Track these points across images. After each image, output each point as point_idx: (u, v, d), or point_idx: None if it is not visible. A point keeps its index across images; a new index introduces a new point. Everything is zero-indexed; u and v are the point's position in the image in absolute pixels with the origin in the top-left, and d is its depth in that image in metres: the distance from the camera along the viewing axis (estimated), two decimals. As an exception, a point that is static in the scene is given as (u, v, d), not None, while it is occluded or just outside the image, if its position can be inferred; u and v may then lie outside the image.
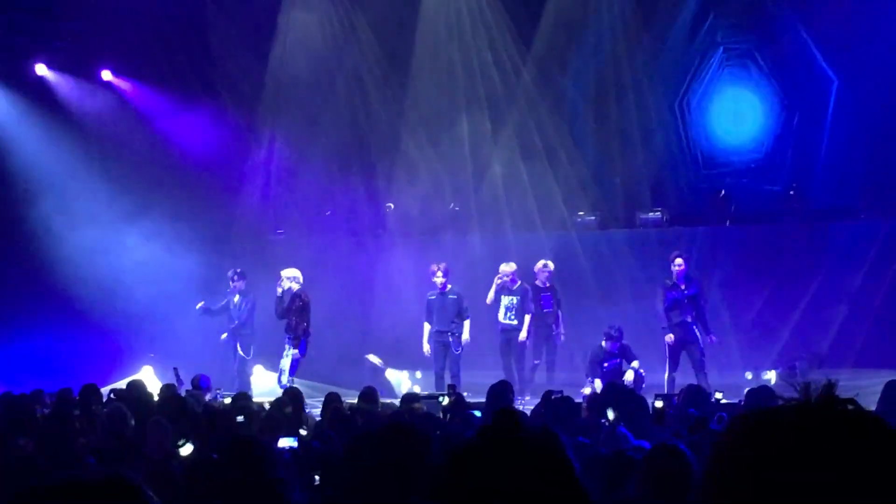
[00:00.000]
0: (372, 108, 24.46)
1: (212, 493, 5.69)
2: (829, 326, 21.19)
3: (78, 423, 12.26)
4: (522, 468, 2.36)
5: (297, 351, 19.15)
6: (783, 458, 1.75)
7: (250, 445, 5.97)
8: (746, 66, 23.90)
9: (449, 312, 19.68)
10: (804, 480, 1.72)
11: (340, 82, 24.43)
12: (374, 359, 22.05)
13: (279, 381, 19.00)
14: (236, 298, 20.94)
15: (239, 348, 20.81)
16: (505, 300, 20.01)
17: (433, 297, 19.80)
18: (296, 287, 19.60)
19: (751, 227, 23.00)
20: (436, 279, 19.71)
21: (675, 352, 18.87)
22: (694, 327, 18.75)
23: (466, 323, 19.70)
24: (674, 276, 18.98)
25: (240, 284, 20.99)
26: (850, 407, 1.81)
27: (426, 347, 19.81)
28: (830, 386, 1.83)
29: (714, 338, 18.89)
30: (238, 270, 21.06)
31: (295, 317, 19.32)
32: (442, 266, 19.81)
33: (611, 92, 23.97)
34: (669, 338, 18.70)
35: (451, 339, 19.61)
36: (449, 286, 19.77)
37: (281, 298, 19.50)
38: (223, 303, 21.03)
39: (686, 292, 18.85)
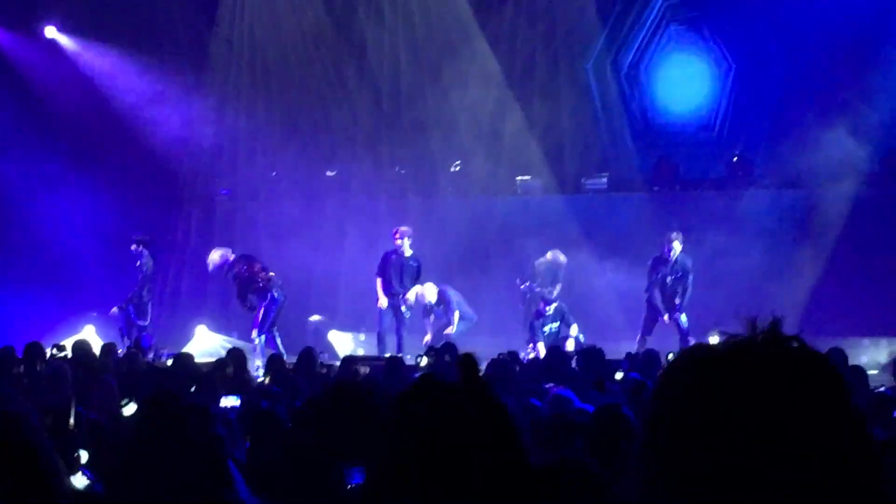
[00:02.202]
0: (324, 68, 24.25)
1: (141, 450, 5.68)
2: (764, 294, 21.25)
3: (25, 381, 12.19)
4: (460, 412, 2.36)
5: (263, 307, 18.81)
6: (727, 392, 1.73)
7: (170, 402, 5.96)
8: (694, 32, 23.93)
9: (406, 275, 19.63)
10: (747, 415, 1.71)
11: (295, 40, 24.20)
12: (317, 318, 22.05)
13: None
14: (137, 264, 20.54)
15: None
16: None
17: (393, 257, 19.65)
18: (220, 257, 19.43)
19: (698, 192, 23.01)
20: (401, 241, 19.59)
21: (647, 320, 19.19)
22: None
23: (416, 288, 19.65)
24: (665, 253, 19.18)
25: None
26: (794, 344, 1.81)
27: (384, 301, 19.57)
28: (776, 322, 1.81)
29: (667, 317, 19.02)
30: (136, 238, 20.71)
31: (249, 292, 19.09)
32: (405, 229, 19.71)
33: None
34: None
35: (402, 302, 19.57)
36: (410, 251, 19.69)
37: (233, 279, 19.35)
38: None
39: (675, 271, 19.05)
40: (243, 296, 19.03)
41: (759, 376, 1.73)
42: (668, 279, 19.09)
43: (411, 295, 19.56)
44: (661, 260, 19.15)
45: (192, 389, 11.10)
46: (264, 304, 18.71)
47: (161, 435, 5.55)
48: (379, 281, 19.62)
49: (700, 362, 1.79)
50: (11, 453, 2.07)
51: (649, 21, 23.88)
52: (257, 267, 19.12)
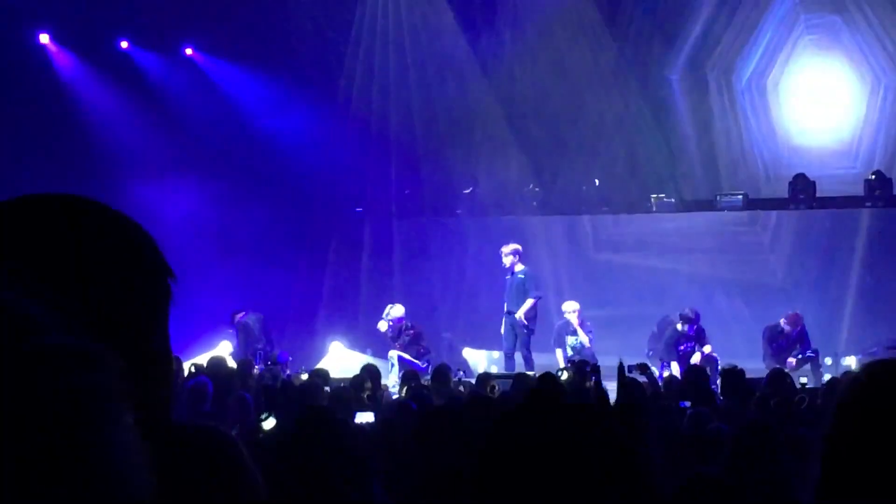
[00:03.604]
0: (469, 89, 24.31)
1: (291, 465, 5.72)
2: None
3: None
4: (565, 433, 2.31)
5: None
6: None
7: (325, 416, 5.99)
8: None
9: (514, 292, 19.64)
10: None
11: (432, 62, 24.29)
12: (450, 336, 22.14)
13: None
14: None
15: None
16: None
17: (507, 278, 19.74)
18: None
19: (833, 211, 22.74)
20: (504, 259, 19.67)
21: None
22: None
23: (528, 301, 19.61)
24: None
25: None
26: None
27: (503, 328, 19.79)
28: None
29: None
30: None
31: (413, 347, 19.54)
32: (509, 248, 19.76)
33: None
34: None
35: (516, 320, 19.59)
36: (518, 266, 19.69)
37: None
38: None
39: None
40: (409, 349, 19.43)
41: None
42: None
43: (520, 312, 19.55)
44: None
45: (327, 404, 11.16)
46: (416, 364, 18.88)
47: (317, 448, 5.60)
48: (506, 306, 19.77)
49: (890, 374, 1.77)
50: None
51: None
52: (422, 346, 19.68)
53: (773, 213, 23.25)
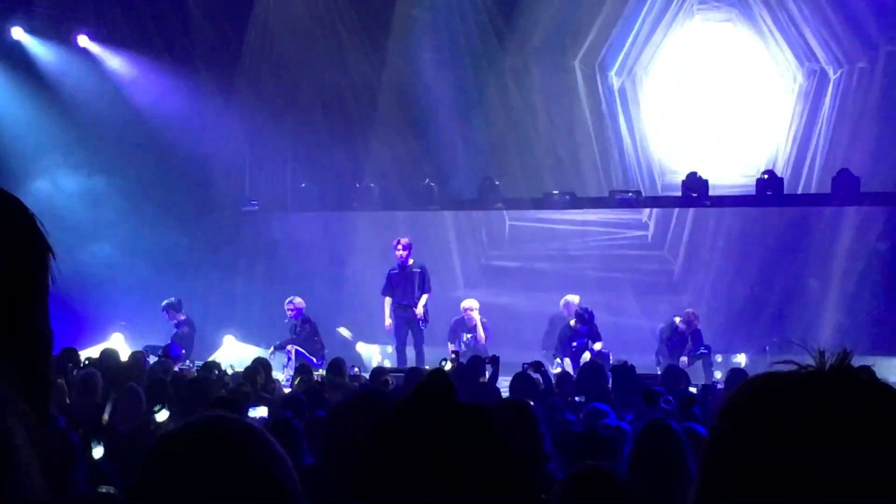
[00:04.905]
0: (351, 78, 24.24)
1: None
2: (803, 311, 21.26)
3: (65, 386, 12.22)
4: (454, 433, 2.26)
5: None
6: (796, 423, 1.70)
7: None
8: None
9: (410, 286, 19.65)
10: (817, 448, 1.67)
11: (320, 50, 24.19)
12: (344, 332, 22.07)
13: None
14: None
15: None
16: None
17: (395, 272, 19.71)
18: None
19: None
20: (398, 253, 19.67)
21: None
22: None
23: (424, 297, 19.65)
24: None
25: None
26: (864, 377, 1.77)
27: (388, 322, 19.76)
28: (845, 355, 1.79)
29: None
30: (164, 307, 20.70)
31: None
32: (403, 240, 19.77)
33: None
34: None
35: (412, 314, 19.60)
36: (411, 260, 19.68)
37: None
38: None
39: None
40: (306, 344, 19.41)
41: (832, 409, 1.70)
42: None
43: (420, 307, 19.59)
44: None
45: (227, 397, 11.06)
46: (311, 360, 18.78)
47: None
48: (386, 300, 19.78)
49: (769, 392, 1.76)
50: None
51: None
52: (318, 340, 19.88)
53: (666, 211, 23.47)
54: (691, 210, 22.80)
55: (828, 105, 23.39)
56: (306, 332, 19.69)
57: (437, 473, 2.20)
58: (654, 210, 23.67)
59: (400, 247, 19.64)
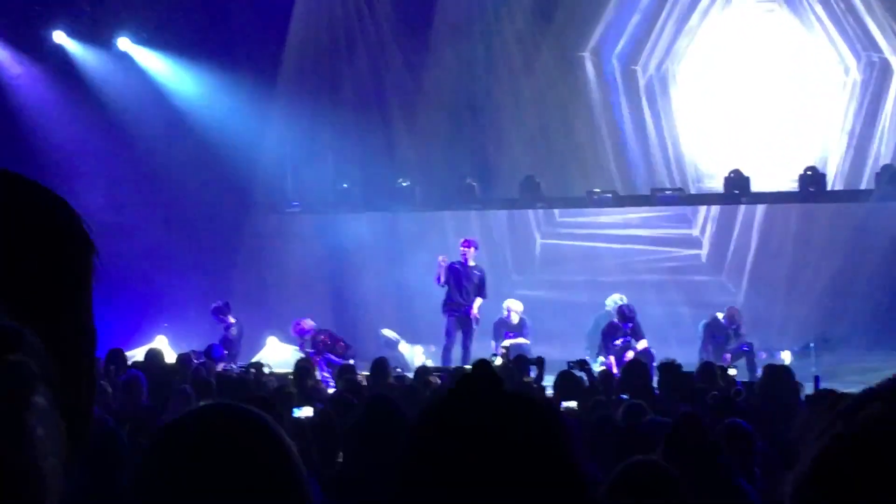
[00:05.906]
0: (392, 78, 24.28)
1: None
2: (844, 308, 21.12)
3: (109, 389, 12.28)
4: (503, 424, 2.16)
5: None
6: None
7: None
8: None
9: (471, 287, 19.59)
10: None
11: (360, 51, 24.24)
12: (389, 333, 22.05)
13: None
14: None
15: None
16: None
17: (457, 266, 19.54)
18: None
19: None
20: (463, 250, 19.57)
21: None
22: None
23: (479, 300, 19.58)
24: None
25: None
26: None
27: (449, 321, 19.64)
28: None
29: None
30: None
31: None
32: (472, 240, 19.83)
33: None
34: None
35: (468, 314, 19.54)
36: (472, 262, 19.63)
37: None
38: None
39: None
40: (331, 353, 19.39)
41: None
42: None
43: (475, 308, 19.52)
44: None
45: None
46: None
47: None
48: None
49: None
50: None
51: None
52: (339, 344, 19.54)
53: (709, 208, 23.35)
54: (733, 206, 22.63)
55: (892, 98, 22.73)
56: (324, 343, 19.53)
57: (491, 465, 2.11)
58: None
59: (470, 247, 19.61)
